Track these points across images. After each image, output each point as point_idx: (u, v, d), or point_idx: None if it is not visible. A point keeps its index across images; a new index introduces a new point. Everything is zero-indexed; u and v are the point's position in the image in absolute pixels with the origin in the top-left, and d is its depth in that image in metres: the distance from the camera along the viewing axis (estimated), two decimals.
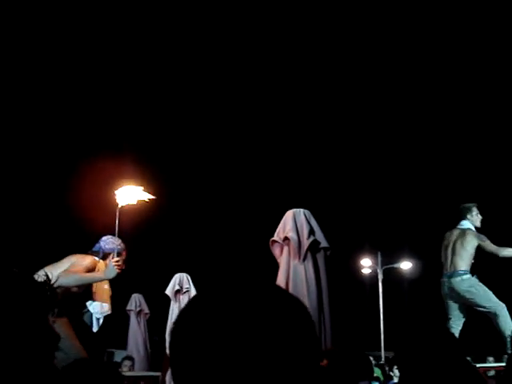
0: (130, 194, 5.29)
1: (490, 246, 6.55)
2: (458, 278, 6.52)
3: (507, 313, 6.36)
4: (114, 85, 21.01)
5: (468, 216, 6.79)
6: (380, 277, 21.79)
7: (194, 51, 22.19)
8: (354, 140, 24.61)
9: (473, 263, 6.69)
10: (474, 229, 6.74)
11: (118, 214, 5.17)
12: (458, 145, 23.54)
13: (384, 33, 21.15)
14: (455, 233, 6.78)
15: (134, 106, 21.37)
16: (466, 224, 6.78)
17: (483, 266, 6.93)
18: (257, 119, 23.56)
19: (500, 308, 6.37)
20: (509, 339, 6.16)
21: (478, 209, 6.89)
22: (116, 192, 5.23)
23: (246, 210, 23.13)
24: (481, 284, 6.53)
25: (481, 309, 6.48)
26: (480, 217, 6.84)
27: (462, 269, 6.53)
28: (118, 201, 5.20)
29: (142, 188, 5.36)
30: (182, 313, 0.98)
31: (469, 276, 6.52)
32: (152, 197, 5.38)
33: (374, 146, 24.56)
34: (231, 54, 22.25)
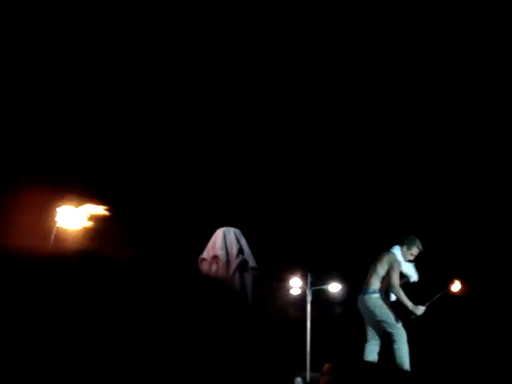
0: (71, 216, 5.10)
1: (393, 278, 6.63)
2: (367, 296, 6.73)
3: (405, 340, 6.51)
4: (55, 101, 20.37)
5: (404, 247, 6.87)
6: (309, 298, 21.94)
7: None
8: (284, 161, 24.79)
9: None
10: (398, 256, 6.80)
11: (54, 231, 4.98)
12: (390, 172, 24.08)
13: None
14: (383, 253, 6.88)
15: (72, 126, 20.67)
16: (394, 249, 6.86)
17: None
18: (186, 135, 23.38)
19: (398, 332, 6.52)
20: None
21: (420, 250, 6.88)
22: (57, 210, 5.04)
23: (175, 226, 22.87)
24: (386, 306, 6.65)
25: (383, 326, 6.62)
26: (413, 256, 6.86)
27: (372, 287, 6.71)
28: (57, 219, 5.01)
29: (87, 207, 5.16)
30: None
31: (377, 295, 6.68)
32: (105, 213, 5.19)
33: (304, 168, 24.80)
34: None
